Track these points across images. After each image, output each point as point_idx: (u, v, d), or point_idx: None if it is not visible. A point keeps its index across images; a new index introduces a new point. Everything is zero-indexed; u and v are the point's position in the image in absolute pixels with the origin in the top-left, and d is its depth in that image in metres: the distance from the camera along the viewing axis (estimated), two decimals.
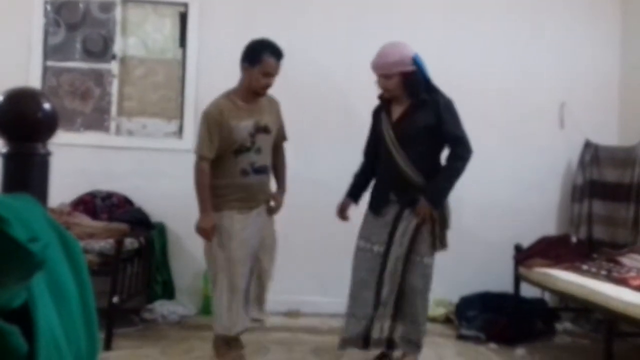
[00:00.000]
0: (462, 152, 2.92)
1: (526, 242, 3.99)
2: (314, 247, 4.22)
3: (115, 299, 3.26)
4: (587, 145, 4.37)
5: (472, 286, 4.17)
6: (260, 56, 2.87)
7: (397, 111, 3.01)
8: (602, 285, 2.99)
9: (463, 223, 4.42)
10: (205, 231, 2.89)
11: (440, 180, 2.92)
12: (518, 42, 4.50)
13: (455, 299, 4.21)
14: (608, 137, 4.39)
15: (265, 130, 2.96)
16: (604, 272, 3.23)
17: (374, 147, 3.12)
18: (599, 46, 4.54)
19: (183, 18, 4.30)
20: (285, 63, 4.19)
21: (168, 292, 4.01)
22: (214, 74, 4.25)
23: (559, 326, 4.05)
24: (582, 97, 4.49)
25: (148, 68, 4.30)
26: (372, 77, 4.13)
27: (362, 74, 4.14)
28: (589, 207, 4.30)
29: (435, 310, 4.26)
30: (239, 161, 2.91)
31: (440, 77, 4.35)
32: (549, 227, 4.45)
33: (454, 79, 4.31)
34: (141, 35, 4.31)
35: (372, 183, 3.18)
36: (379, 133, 3.03)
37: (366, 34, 4.27)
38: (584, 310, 3.93)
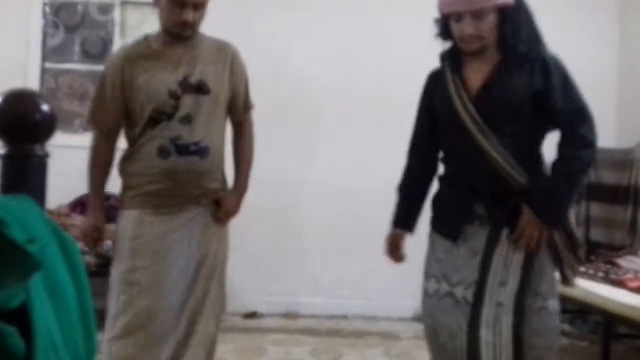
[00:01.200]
0: (586, 133, 1.86)
1: None
2: (311, 248, 4.22)
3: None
4: None
5: None
6: None
7: (477, 74, 1.91)
8: (600, 287, 2.99)
9: None
10: (85, 236, 2.18)
11: (557, 179, 1.86)
12: None
13: None
14: (605, 139, 4.38)
15: (200, 88, 2.06)
16: (601, 274, 3.23)
17: (430, 138, 2.05)
18: (596, 47, 4.55)
19: None
20: (288, 65, 4.22)
21: None
22: None
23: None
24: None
25: None
26: (372, 71, 4.30)
27: (361, 65, 4.22)
28: (586, 209, 4.31)
29: None
30: (155, 134, 2.04)
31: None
32: None
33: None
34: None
35: (432, 193, 2.10)
36: (448, 111, 1.92)
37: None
38: (582, 312, 3.94)
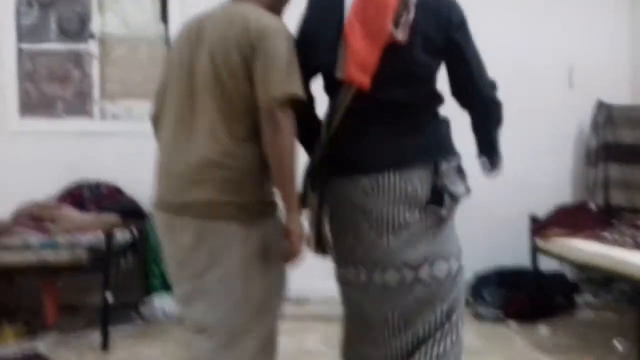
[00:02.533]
0: None
1: (541, 213, 3.78)
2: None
3: (108, 296, 3.03)
4: (600, 105, 4.12)
5: (486, 262, 3.96)
6: None
7: None
8: (629, 254, 2.78)
9: (473, 195, 4.20)
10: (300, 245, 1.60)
11: None
12: (523, 3, 4.22)
13: (468, 276, 4.00)
14: (621, 96, 4.16)
15: None
16: (629, 240, 3.02)
17: None
18: (609, 4, 4.28)
19: None
20: None
21: (167, 284, 3.78)
22: None
23: (579, 299, 3.87)
24: (592, 57, 4.25)
25: (129, 46, 4.01)
26: None
27: None
28: (604, 171, 4.07)
29: None
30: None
31: None
32: (564, 194, 4.24)
33: None
34: (119, 12, 4.01)
35: None
36: None
37: None
38: (606, 281, 3.75)
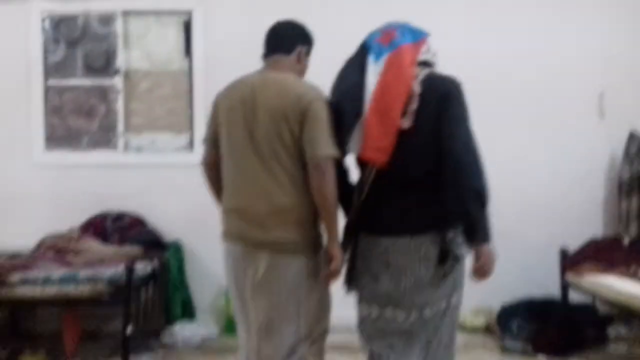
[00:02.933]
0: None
1: (571, 243, 3.67)
2: None
3: (129, 330, 3.03)
4: (632, 136, 4.01)
5: (513, 292, 3.85)
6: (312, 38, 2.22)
7: None
8: None
9: (502, 225, 4.10)
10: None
11: None
12: (550, 27, 4.15)
13: (495, 305, 3.89)
14: None
15: None
16: None
17: None
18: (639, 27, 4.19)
19: (187, 27, 4.08)
20: None
21: (188, 312, 3.79)
22: (223, 82, 4.01)
23: (611, 331, 3.70)
24: (622, 84, 4.14)
25: (153, 81, 4.08)
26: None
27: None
28: (638, 202, 3.94)
29: (474, 319, 3.96)
30: None
31: (467, 67, 4.09)
32: (596, 226, 4.11)
33: (481, 69, 4.02)
34: (144, 47, 4.09)
35: None
36: None
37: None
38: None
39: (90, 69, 4.04)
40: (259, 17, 4.02)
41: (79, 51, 4.05)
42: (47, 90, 4.03)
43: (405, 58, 1.97)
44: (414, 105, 1.90)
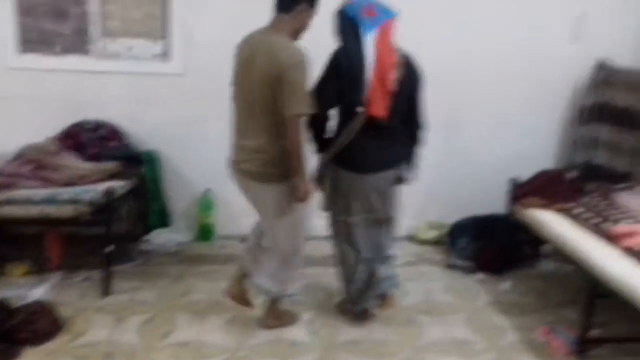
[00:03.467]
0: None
1: (527, 165, 3.95)
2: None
3: (109, 248, 3.32)
4: (602, 64, 4.09)
5: (468, 208, 4.17)
6: None
7: None
8: (590, 243, 2.96)
9: (462, 142, 4.35)
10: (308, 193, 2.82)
11: None
12: None
13: (449, 221, 4.22)
14: (621, 56, 4.11)
15: None
16: (596, 220, 3.20)
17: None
18: None
19: None
20: None
21: (164, 220, 4.05)
22: None
23: (546, 247, 4.05)
24: (599, 10, 4.14)
25: None
26: None
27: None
28: (595, 130, 4.14)
29: (427, 232, 4.34)
30: None
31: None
32: (552, 148, 4.40)
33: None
34: None
35: None
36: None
37: None
38: None
39: None
40: None
41: None
42: None
43: (389, 33, 2.68)
44: (397, 74, 2.70)
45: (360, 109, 2.67)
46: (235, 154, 2.76)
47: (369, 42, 2.63)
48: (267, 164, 2.64)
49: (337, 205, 2.95)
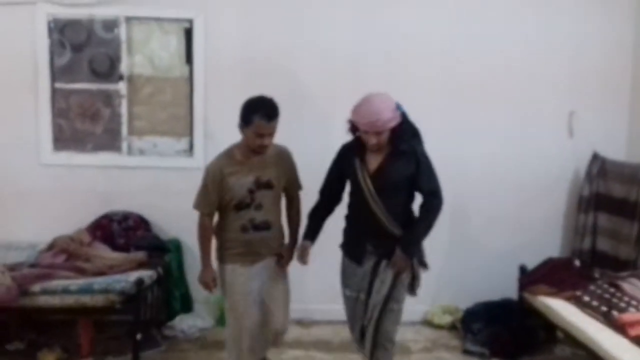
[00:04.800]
0: (437, 204, 2.91)
1: (533, 251, 4.14)
2: (326, 252, 4.34)
3: (138, 337, 3.44)
4: (595, 157, 4.38)
5: (479, 293, 4.31)
6: (251, 118, 2.82)
7: (374, 160, 2.90)
8: (600, 332, 3.10)
9: (470, 231, 4.55)
10: (206, 284, 3.06)
11: (416, 232, 2.92)
12: (526, 42, 4.43)
13: (462, 305, 4.37)
14: (616, 151, 4.40)
15: (267, 186, 2.97)
16: (604, 309, 3.34)
17: (335, 186, 3.08)
18: (611, 51, 4.45)
19: (188, 34, 4.24)
20: (291, 69, 4.16)
21: (186, 305, 4.19)
22: (222, 89, 4.25)
23: (560, 333, 4.17)
24: (592, 106, 4.47)
25: (155, 86, 4.29)
26: (381, 78, 4.25)
27: (370, 72, 4.21)
28: (594, 218, 4.37)
29: (441, 318, 4.45)
30: (239, 217, 2.96)
31: (443, 77, 4.38)
32: (556, 236, 4.58)
33: (457, 79, 4.38)
34: (147, 53, 4.26)
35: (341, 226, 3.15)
36: (353, 181, 2.94)
37: (372, 35, 4.30)
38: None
39: (95, 74, 4.22)
40: (258, 26, 4.23)
41: (85, 56, 4.21)
42: (54, 92, 4.22)
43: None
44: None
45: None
46: None
47: None
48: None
49: None
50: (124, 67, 4.21)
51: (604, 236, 4.31)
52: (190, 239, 4.27)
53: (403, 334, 4.05)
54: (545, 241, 4.54)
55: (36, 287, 3.35)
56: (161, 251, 4.01)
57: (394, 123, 2.79)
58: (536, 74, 4.43)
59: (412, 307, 4.14)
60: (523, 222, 4.54)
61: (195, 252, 4.27)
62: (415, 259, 2.95)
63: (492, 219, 4.54)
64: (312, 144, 4.03)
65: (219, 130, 4.24)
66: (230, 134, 4.19)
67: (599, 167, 4.36)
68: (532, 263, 4.04)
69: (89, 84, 4.23)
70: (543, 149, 4.50)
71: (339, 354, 3.87)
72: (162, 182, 4.32)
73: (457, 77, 4.37)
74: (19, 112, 4.19)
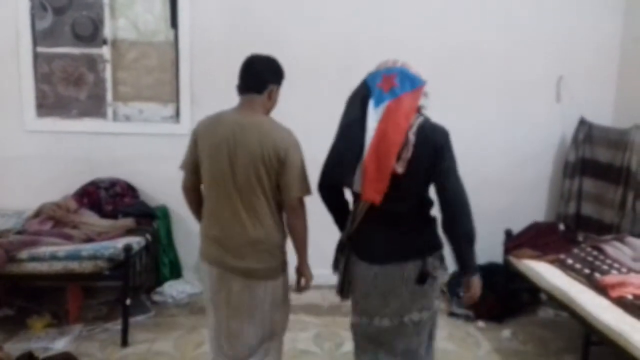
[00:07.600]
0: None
1: (519, 215, 4.20)
2: (315, 218, 4.36)
3: (127, 302, 3.46)
4: (582, 122, 4.40)
5: None
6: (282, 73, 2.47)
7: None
8: (582, 293, 3.16)
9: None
10: None
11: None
12: (517, 7, 4.41)
13: (449, 269, 4.41)
14: (603, 117, 4.42)
15: None
16: (587, 271, 3.41)
17: None
18: (601, 16, 4.44)
19: None
20: (280, 39, 4.12)
21: (175, 271, 4.21)
22: (208, 55, 4.19)
23: (543, 296, 4.25)
24: (580, 71, 4.47)
25: (140, 51, 4.21)
26: (373, 49, 4.19)
27: (362, 47, 4.15)
28: (579, 183, 4.42)
29: None
30: None
31: (437, 46, 4.35)
32: (541, 200, 4.63)
33: (450, 48, 4.35)
34: (131, 17, 4.17)
35: None
36: None
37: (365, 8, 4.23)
38: None
39: (79, 38, 4.14)
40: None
41: (67, 19, 4.11)
42: (36, 57, 4.13)
43: (404, 108, 2.20)
44: (409, 154, 2.16)
45: (356, 189, 2.25)
46: (215, 249, 2.38)
47: (373, 117, 2.23)
48: (264, 255, 2.34)
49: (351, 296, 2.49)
50: (107, 31, 4.13)
51: (588, 201, 4.37)
52: (178, 206, 4.27)
53: None
54: (531, 205, 4.60)
55: (24, 254, 3.34)
56: (149, 218, 4.00)
57: None
58: (526, 39, 4.42)
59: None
60: (509, 186, 4.59)
61: (183, 219, 4.33)
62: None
63: (479, 183, 4.53)
64: (299, 120, 3.99)
65: (206, 96, 4.21)
66: (217, 100, 4.18)
67: (586, 132, 4.39)
68: (517, 227, 4.10)
69: (72, 48, 4.15)
70: (531, 114, 4.52)
71: (328, 318, 3.92)
72: (148, 149, 4.28)
73: (447, 43, 4.35)
74: (0, 77, 4.11)
